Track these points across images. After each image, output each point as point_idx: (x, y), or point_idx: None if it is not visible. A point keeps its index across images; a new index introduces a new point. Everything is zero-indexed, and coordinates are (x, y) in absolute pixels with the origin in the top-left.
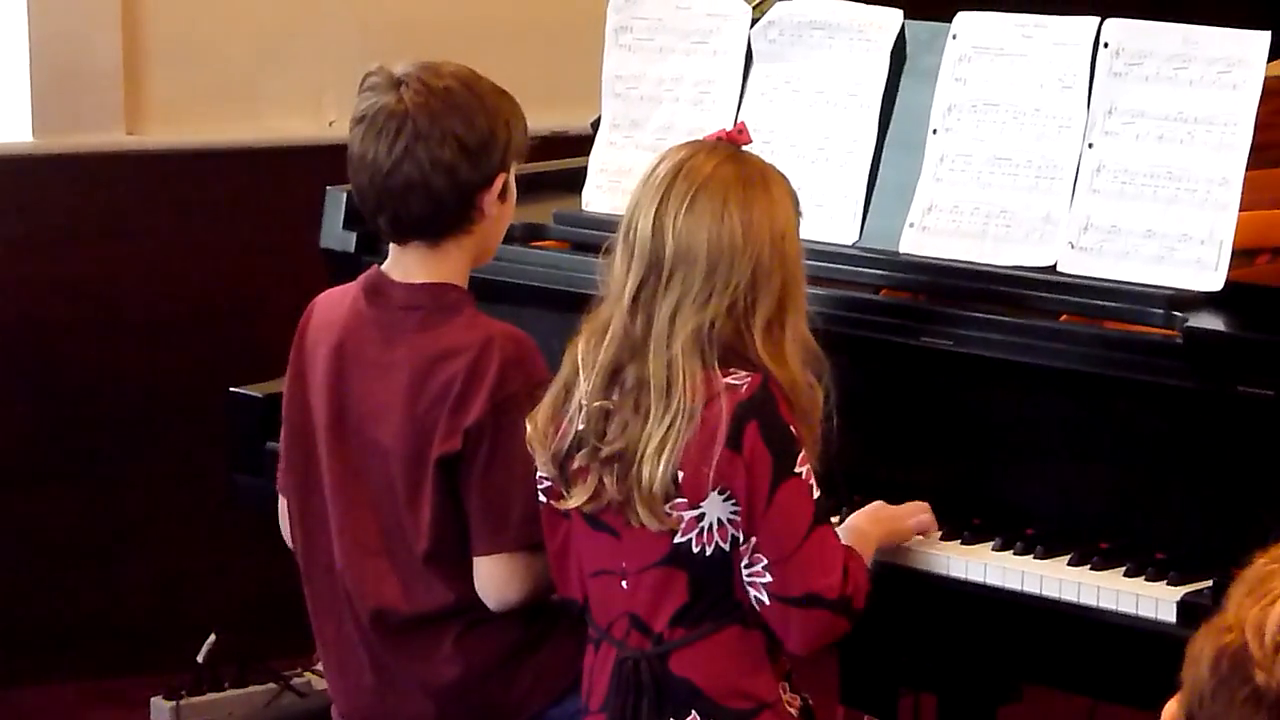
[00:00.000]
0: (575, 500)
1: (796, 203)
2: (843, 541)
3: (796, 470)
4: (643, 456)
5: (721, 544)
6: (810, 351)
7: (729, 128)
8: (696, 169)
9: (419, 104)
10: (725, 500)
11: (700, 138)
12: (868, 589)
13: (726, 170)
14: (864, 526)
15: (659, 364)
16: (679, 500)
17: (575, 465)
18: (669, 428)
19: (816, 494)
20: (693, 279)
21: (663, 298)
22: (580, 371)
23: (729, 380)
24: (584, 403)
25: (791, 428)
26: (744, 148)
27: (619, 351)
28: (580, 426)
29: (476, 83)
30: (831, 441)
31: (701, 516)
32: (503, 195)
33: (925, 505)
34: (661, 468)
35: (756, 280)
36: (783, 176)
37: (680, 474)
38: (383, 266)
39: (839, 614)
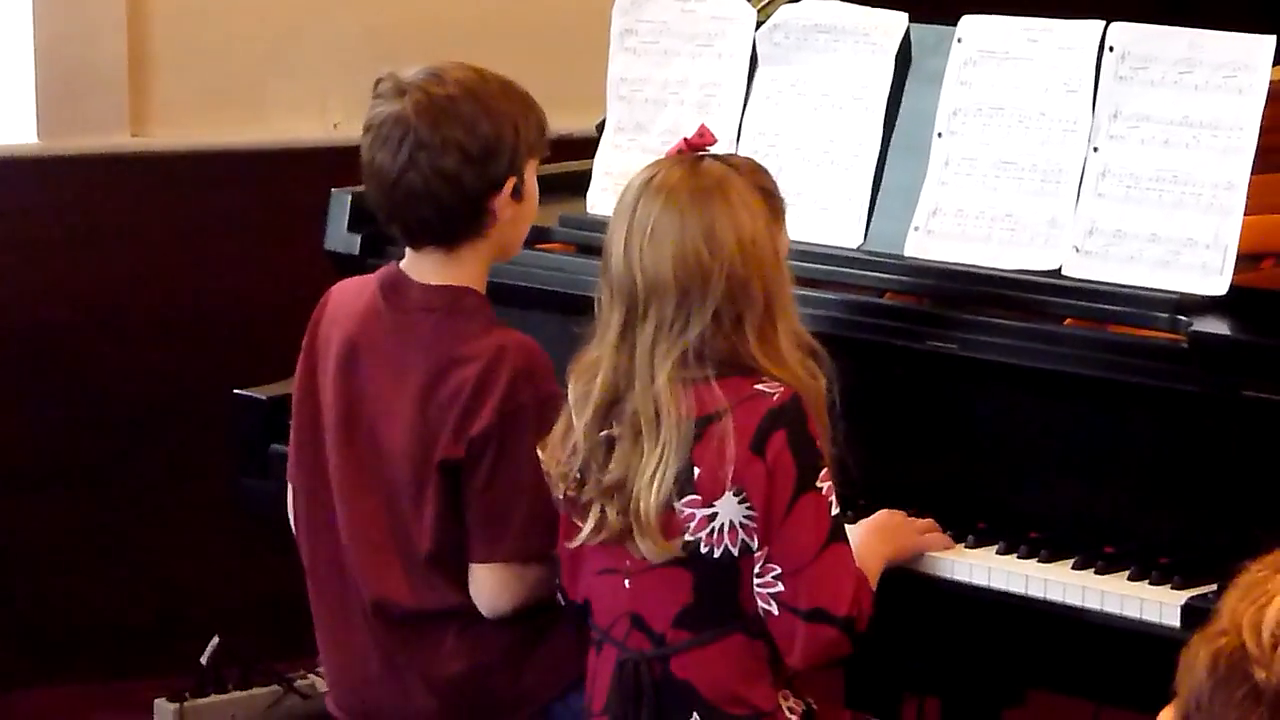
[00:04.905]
0: (584, 533)
1: (770, 194)
2: (853, 551)
3: (818, 485)
4: (639, 489)
5: (731, 548)
6: (806, 345)
7: (690, 135)
8: (654, 191)
9: (421, 112)
10: (741, 503)
11: (665, 152)
12: (870, 614)
13: (682, 187)
14: (874, 544)
15: (645, 399)
16: (693, 497)
17: (583, 499)
18: (659, 460)
19: (835, 511)
20: (666, 309)
21: (641, 331)
22: (574, 409)
23: (760, 387)
24: (581, 439)
25: (818, 442)
26: (710, 149)
27: (613, 386)
28: (582, 458)
29: (482, 87)
30: (838, 437)
31: (714, 516)
32: (517, 196)
33: (933, 523)
34: (654, 497)
35: (734, 292)
36: (744, 176)
37: (696, 471)
38: (401, 265)
39: (843, 633)
